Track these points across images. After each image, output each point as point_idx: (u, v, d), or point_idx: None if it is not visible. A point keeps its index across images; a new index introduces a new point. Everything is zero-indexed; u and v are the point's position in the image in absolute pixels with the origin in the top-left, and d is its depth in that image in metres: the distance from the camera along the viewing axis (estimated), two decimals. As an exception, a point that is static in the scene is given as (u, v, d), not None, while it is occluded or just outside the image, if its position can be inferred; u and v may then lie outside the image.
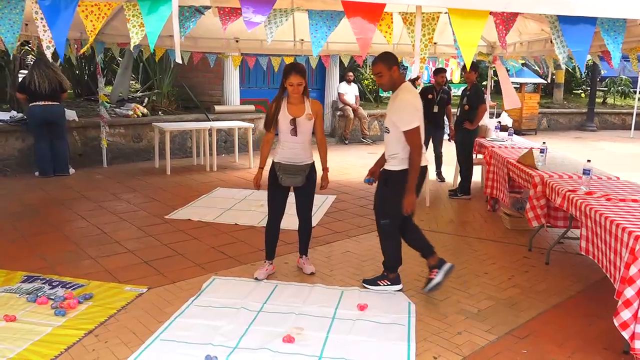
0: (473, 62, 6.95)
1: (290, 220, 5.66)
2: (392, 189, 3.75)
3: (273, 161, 4.05)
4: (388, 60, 3.68)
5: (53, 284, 3.86)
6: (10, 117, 7.55)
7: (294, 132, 3.90)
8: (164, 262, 4.38)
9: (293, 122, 3.88)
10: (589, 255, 3.72)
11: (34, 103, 7.10)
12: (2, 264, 4.22)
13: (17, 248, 4.62)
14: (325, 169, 4.18)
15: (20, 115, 7.71)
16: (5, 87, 8.98)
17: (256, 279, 4.04)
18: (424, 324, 3.43)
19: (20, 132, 7.50)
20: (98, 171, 7.91)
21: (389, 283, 3.96)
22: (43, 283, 3.87)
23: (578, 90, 18.90)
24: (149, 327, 3.27)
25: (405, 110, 3.65)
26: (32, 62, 7.37)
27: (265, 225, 4.21)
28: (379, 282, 3.99)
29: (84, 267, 4.21)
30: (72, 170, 7.61)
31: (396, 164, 3.73)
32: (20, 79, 7.96)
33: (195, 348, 3.02)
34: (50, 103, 7.13)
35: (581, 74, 17.74)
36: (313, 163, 4.08)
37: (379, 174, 3.95)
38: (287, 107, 3.92)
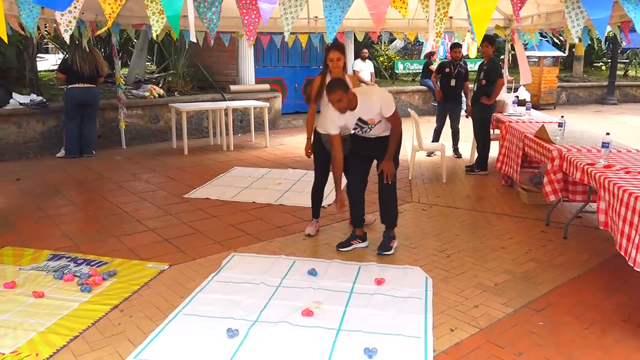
0: (490, 35, 6.86)
1: (304, 198, 5.71)
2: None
3: (318, 131, 4.34)
4: (343, 86, 3.86)
5: (78, 261, 3.98)
6: (30, 101, 7.67)
7: None
8: (184, 240, 4.47)
9: None
10: (607, 228, 3.70)
11: (73, 85, 7.32)
12: (29, 243, 4.35)
13: (42, 227, 4.75)
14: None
15: (40, 98, 7.83)
16: (24, 71, 9.09)
17: (308, 235, 4.51)
18: (440, 298, 3.47)
19: (41, 114, 7.63)
20: (117, 152, 8.02)
21: (395, 240, 4.30)
22: (68, 261, 3.98)
23: (599, 62, 18.51)
24: (171, 302, 3.37)
25: (385, 97, 4.03)
26: (75, 45, 7.49)
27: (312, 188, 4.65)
28: (390, 244, 4.24)
29: (107, 245, 4.32)
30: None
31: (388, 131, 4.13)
32: (62, 60, 8.13)
33: (216, 322, 3.10)
34: (88, 85, 7.35)
35: (601, 47, 17.33)
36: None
37: (369, 145, 4.19)
38: None
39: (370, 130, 4.11)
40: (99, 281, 3.61)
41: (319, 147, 4.43)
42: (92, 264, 3.93)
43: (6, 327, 3.01)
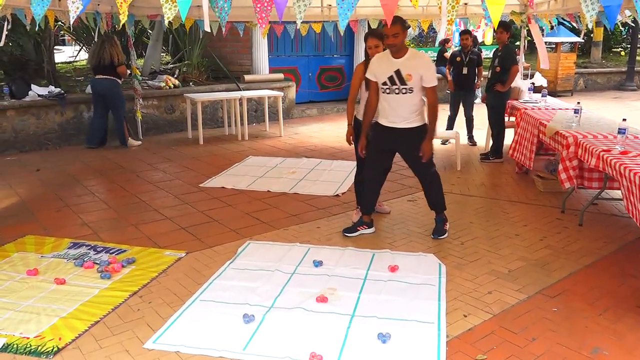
0: (504, 21, 6.79)
1: (318, 187, 5.75)
2: (419, 143, 4.07)
3: (359, 119, 4.39)
4: (403, 23, 3.94)
5: (98, 249, 4.07)
6: (48, 92, 7.78)
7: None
8: (200, 228, 4.54)
9: None
10: (633, 217, 3.66)
11: (94, 76, 7.52)
12: (50, 231, 4.46)
13: (63, 217, 4.86)
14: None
15: (58, 90, 7.94)
16: (42, 63, 9.21)
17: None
18: (454, 284, 3.49)
19: (59, 106, 7.75)
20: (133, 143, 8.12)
21: (446, 220, 4.38)
22: (88, 249, 4.08)
23: (618, 48, 18.16)
24: (188, 289, 3.44)
25: (433, 67, 4.05)
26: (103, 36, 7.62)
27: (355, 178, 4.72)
28: (444, 227, 4.34)
29: (126, 234, 4.41)
30: (135, 142, 7.90)
31: (420, 120, 4.11)
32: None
33: (233, 307, 3.16)
34: (101, 77, 7.44)
35: (620, 32, 17.00)
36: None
37: (396, 138, 4.15)
38: None
39: (399, 93, 3.98)
40: (118, 268, 3.69)
41: (359, 136, 4.39)
42: (111, 251, 4.02)
43: (30, 313, 3.11)
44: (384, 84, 4.01)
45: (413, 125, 4.08)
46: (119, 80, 7.58)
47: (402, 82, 3.96)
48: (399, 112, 4.06)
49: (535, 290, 3.42)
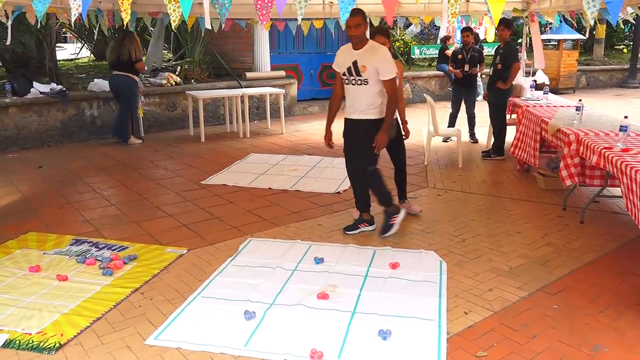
0: (506, 18, 6.77)
1: (320, 184, 5.76)
2: (371, 136, 4.05)
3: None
4: (364, 14, 3.99)
5: (99, 246, 4.08)
6: (50, 90, 7.79)
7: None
8: (202, 225, 4.55)
9: None
10: (629, 213, 3.67)
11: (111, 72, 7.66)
12: (52, 228, 4.47)
13: (65, 213, 4.87)
14: (404, 122, 4.63)
15: (60, 87, 7.95)
16: (44, 60, 9.23)
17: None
18: (455, 282, 3.50)
19: (61, 103, 7.76)
20: (135, 140, 8.12)
21: (397, 215, 4.31)
22: (90, 245, 4.09)
23: (620, 45, 18.12)
24: (190, 285, 3.45)
25: (389, 60, 3.99)
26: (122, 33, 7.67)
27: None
28: (390, 222, 4.29)
29: (127, 231, 4.42)
30: (137, 140, 7.90)
31: (377, 114, 4.08)
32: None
33: (234, 304, 3.17)
34: (115, 73, 7.52)
35: (622, 29, 16.95)
36: (397, 118, 4.43)
37: (351, 128, 4.19)
38: None
39: (356, 84, 4.02)
40: (120, 265, 3.70)
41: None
42: (113, 248, 4.03)
43: (32, 309, 3.12)
44: (344, 74, 4.07)
45: (365, 117, 4.08)
46: (135, 78, 7.62)
47: (358, 73, 3.98)
48: (355, 104, 4.10)
49: (536, 287, 3.42)
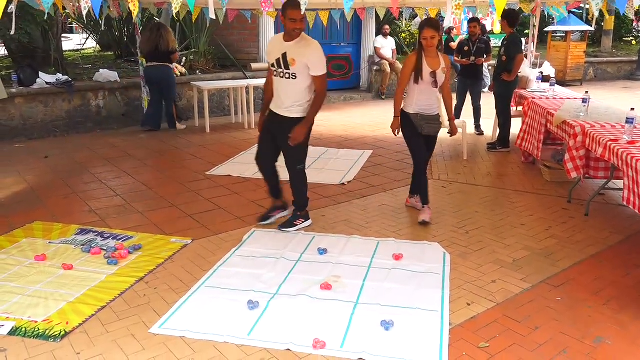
0: (510, 10, 6.71)
1: (323, 175, 5.76)
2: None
3: (407, 112, 4.29)
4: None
5: (105, 236, 4.11)
6: (56, 80, 7.82)
7: (435, 84, 4.18)
8: (206, 216, 4.57)
9: (433, 74, 4.15)
10: (629, 205, 3.67)
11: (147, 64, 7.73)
12: (58, 218, 4.50)
13: (70, 203, 4.90)
14: (452, 119, 4.51)
15: (65, 77, 7.97)
16: (50, 50, 9.24)
17: (423, 221, 4.32)
18: (458, 273, 3.50)
19: (67, 94, 7.78)
20: (141, 130, 8.15)
21: (303, 220, 4.25)
22: (96, 235, 4.12)
23: (629, 37, 17.93)
24: (194, 275, 3.47)
25: (321, 56, 3.89)
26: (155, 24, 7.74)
27: None
28: (294, 222, 4.22)
29: (132, 221, 4.45)
30: (182, 126, 8.13)
31: (302, 112, 3.95)
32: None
33: (238, 294, 3.19)
34: (152, 64, 7.60)
35: (632, 21, 16.76)
36: (438, 114, 4.39)
37: (275, 124, 4.05)
38: (426, 60, 4.13)
39: (284, 77, 3.87)
40: (124, 255, 3.73)
41: (413, 129, 4.29)
42: (118, 238, 4.06)
43: (38, 297, 3.16)
44: (273, 65, 3.93)
45: (292, 115, 3.93)
46: (171, 66, 7.74)
47: (287, 66, 3.84)
48: (282, 98, 3.95)
49: (539, 279, 3.42)
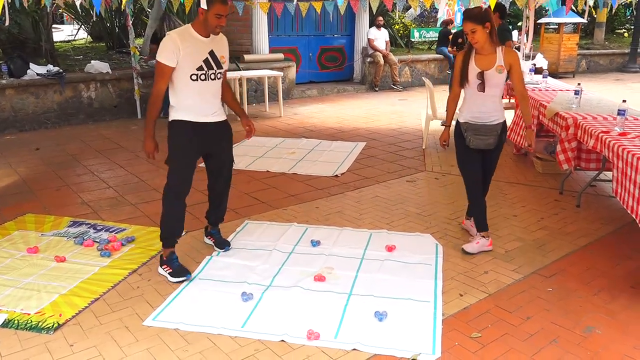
0: (500, 4, 6.71)
1: (317, 167, 5.76)
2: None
3: (458, 121, 3.66)
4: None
5: (97, 228, 4.09)
6: (47, 71, 7.74)
7: (482, 87, 3.48)
8: (199, 207, 4.54)
9: (480, 75, 3.47)
10: (617, 196, 3.69)
11: None
12: (50, 210, 4.48)
13: (63, 195, 4.88)
14: (528, 127, 3.73)
15: (56, 69, 7.90)
16: (40, 41, 9.15)
17: (463, 250, 3.67)
18: (451, 264, 3.52)
19: (58, 85, 7.72)
20: (133, 122, 8.11)
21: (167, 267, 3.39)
22: (88, 227, 4.10)
23: (621, 29, 17.99)
24: (188, 267, 3.46)
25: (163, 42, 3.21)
26: (163, 15, 7.66)
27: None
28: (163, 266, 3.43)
29: (125, 213, 4.43)
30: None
31: (224, 111, 3.53)
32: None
33: (231, 286, 3.20)
34: None
35: (624, 13, 16.81)
36: (504, 122, 3.64)
37: (210, 135, 3.56)
38: (475, 59, 3.52)
39: (215, 79, 3.37)
40: (117, 247, 3.72)
41: (462, 141, 3.62)
42: (111, 230, 4.05)
43: (31, 290, 3.15)
44: (199, 68, 3.25)
45: (224, 118, 3.54)
46: None
47: (219, 65, 3.34)
48: (212, 102, 3.43)
49: (531, 270, 3.45)
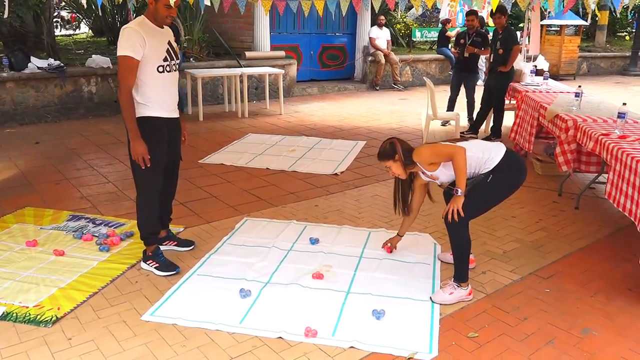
0: (501, 5, 6.73)
1: (317, 165, 5.76)
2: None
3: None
4: None
5: (96, 222, 4.10)
6: (48, 65, 7.74)
7: (442, 186, 3.41)
8: (198, 204, 4.56)
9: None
10: (610, 199, 3.70)
11: None
12: (49, 204, 4.48)
13: (62, 189, 4.88)
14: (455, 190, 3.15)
15: (57, 62, 7.89)
16: (41, 34, 9.14)
17: (430, 299, 3.09)
18: (448, 264, 3.52)
19: (59, 79, 7.71)
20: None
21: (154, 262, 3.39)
22: (87, 222, 4.11)
23: (622, 32, 18.00)
24: (186, 263, 3.47)
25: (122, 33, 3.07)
26: None
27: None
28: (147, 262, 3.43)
29: (124, 208, 4.44)
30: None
31: (139, 110, 3.18)
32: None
33: (230, 282, 3.20)
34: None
35: (625, 16, 16.82)
36: (499, 163, 3.17)
37: (173, 132, 3.44)
38: (416, 182, 3.49)
39: (175, 71, 3.28)
40: (116, 241, 3.73)
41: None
42: (110, 225, 4.05)
43: (29, 283, 3.15)
44: (165, 59, 3.17)
45: (177, 115, 3.43)
46: None
47: (176, 55, 3.28)
48: (173, 95, 3.32)
49: (528, 271, 3.46)
